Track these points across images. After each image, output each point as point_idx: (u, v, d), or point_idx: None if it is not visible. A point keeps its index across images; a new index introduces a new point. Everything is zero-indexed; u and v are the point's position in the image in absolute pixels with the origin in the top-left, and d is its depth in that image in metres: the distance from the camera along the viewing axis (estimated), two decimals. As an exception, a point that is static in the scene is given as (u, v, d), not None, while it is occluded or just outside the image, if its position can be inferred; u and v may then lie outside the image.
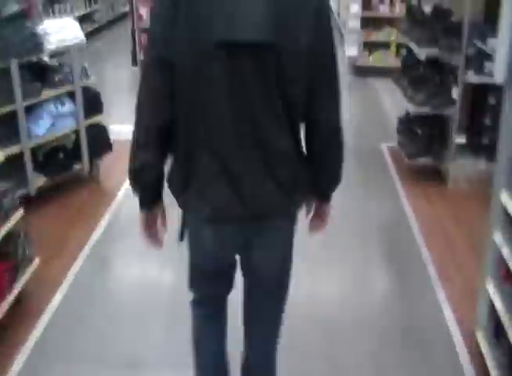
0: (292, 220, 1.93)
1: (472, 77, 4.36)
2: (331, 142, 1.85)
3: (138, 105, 1.77)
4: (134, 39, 8.10)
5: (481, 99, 4.55)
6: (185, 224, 1.93)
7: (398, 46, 7.49)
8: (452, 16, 4.38)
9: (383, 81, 7.42)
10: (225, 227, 1.83)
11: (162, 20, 1.68)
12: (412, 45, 4.54)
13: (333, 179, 1.94)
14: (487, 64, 4.38)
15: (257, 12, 1.59)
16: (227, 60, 1.63)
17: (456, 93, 4.43)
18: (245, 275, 2.06)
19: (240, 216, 1.78)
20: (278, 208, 1.82)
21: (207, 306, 2.15)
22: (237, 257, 2.02)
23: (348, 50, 7.55)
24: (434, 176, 4.74)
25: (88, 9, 10.73)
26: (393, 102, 6.66)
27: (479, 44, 4.32)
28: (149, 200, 1.87)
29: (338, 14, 10.36)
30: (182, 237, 1.95)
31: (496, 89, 4.49)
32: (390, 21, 7.44)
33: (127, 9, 10.24)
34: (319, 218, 2.05)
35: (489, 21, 4.40)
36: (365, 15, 7.37)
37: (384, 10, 7.36)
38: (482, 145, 4.65)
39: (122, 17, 12.05)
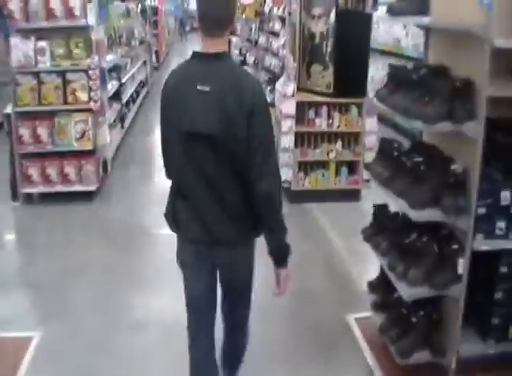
0: (245, 247, 2.79)
1: (482, 244, 3.14)
2: (264, 206, 2.55)
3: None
4: (13, 167, 6.47)
5: (488, 266, 3.32)
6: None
7: (338, 165, 6.33)
8: (452, 163, 3.13)
9: (322, 206, 6.25)
10: (200, 247, 2.71)
11: (161, 113, 2.66)
12: (401, 204, 3.24)
13: (277, 240, 2.66)
14: (499, 224, 3.21)
15: (210, 114, 2.47)
16: (191, 142, 2.53)
17: (461, 266, 3.17)
18: (220, 283, 2.90)
19: (207, 241, 2.66)
20: (231, 238, 2.66)
21: (196, 326, 2.90)
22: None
23: (281, 173, 6.22)
24: (432, 372, 3.42)
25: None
26: (340, 236, 5.62)
27: (491, 200, 3.13)
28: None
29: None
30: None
31: (509, 255, 3.31)
32: (328, 137, 6.25)
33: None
34: (278, 283, 2.73)
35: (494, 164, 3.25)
36: (298, 130, 6.14)
37: (320, 124, 6.17)
38: (492, 325, 3.40)
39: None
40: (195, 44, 30.72)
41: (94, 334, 3.95)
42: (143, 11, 11.79)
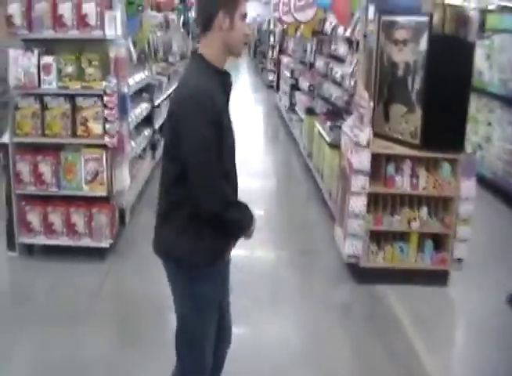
0: None
1: None
2: None
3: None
4: (10, 209, 5.18)
5: None
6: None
7: (421, 238, 4.83)
8: None
9: (399, 291, 4.79)
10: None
11: (214, 139, 2.35)
12: None
13: None
14: None
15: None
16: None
17: None
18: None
19: None
20: None
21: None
22: None
23: (347, 245, 4.77)
24: None
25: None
26: (426, 341, 4.10)
27: None
28: None
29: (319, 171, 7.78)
30: None
31: None
32: (410, 201, 4.79)
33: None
34: None
35: None
36: (372, 190, 4.69)
37: (401, 185, 4.71)
38: None
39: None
40: (244, 57, 29.64)
41: None
42: (185, 23, 10.50)
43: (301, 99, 9.76)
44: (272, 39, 17.58)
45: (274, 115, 13.57)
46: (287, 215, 6.76)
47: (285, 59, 13.14)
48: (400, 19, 4.85)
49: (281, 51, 14.73)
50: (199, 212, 2.42)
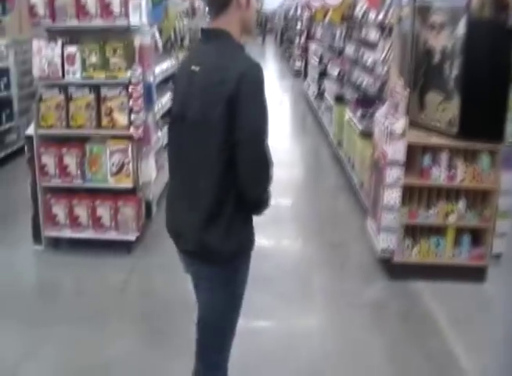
0: None
1: None
2: None
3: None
4: (35, 202, 5.11)
5: None
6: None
7: (458, 232, 4.63)
8: None
9: (435, 287, 4.61)
10: None
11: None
12: None
13: None
14: None
15: (194, 96, 2.28)
16: (179, 126, 2.36)
17: None
18: None
19: None
20: None
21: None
22: None
23: (381, 239, 4.60)
24: None
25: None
26: (465, 343, 3.89)
27: None
28: None
29: (352, 165, 7.57)
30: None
31: None
32: (447, 193, 4.59)
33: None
34: None
35: None
36: (407, 182, 4.49)
37: (438, 176, 4.51)
38: None
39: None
40: (271, 44, 29.30)
41: None
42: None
43: (330, 87, 9.54)
44: (299, 25, 17.31)
45: (302, 103, 13.37)
46: (316, 206, 6.59)
47: (313, 46, 12.90)
48: (436, 2, 4.63)
49: (309, 37, 14.49)
50: (240, 201, 2.26)
